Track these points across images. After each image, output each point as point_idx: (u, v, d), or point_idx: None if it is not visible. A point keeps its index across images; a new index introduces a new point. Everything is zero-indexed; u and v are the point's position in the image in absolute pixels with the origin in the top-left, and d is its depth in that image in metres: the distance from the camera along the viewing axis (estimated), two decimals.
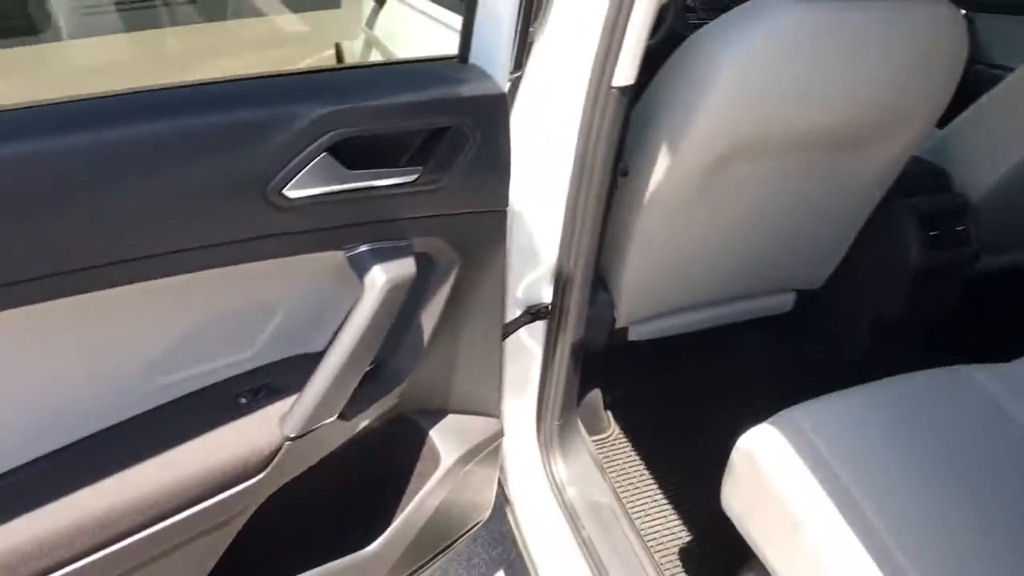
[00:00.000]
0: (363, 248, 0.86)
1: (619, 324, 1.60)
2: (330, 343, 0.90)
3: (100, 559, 0.82)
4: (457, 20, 1.59)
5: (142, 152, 0.71)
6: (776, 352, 1.90)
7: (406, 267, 0.87)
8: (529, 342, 1.33)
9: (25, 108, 0.70)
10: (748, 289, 1.70)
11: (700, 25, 2.20)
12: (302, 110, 0.76)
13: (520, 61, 1.05)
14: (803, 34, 1.16)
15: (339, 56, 2.30)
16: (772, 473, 1.06)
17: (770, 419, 1.12)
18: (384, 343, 0.93)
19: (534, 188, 1.21)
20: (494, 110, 0.89)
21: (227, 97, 0.76)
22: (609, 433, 1.76)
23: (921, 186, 1.64)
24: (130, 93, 0.74)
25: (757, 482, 1.08)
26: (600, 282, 1.55)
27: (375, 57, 2.41)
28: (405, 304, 0.92)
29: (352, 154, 0.81)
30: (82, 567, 0.81)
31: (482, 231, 0.98)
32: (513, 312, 1.30)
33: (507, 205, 0.97)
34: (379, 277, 0.85)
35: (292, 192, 0.77)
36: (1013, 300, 2.03)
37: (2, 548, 0.76)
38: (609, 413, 1.79)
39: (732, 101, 1.19)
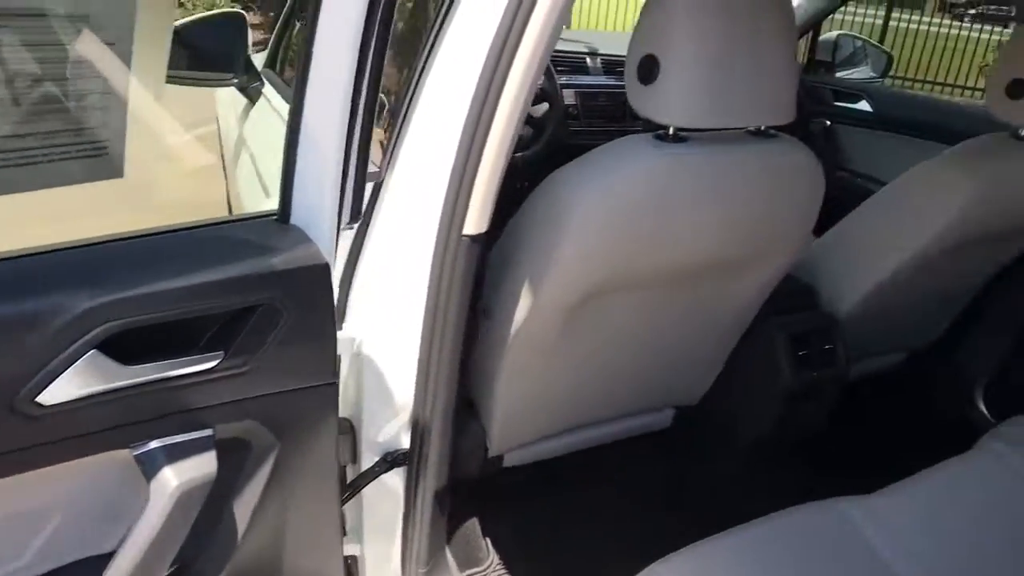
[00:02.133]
0: (152, 445, 0.75)
1: (492, 453, 1.53)
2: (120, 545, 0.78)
3: None
4: None
5: None
6: (657, 467, 1.85)
7: (203, 466, 0.77)
8: (394, 486, 1.24)
9: None
10: (626, 408, 1.65)
11: (583, 133, 2.24)
12: (62, 303, 0.65)
13: (358, 211, 0.98)
14: (663, 176, 1.14)
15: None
16: None
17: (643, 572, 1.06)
18: (188, 540, 0.81)
19: (386, 331, 1.13)
20: (314, 282, 0.81)
21: None
22: (488, 564, 1.66)
23: (790, 304, 1.64)
24: None
25: None
26: (472, 411, 1.48)
27: (244, 159, 2.31)
28: (214, 496, 0.81)
29: (133, 341, 0.71)
30: None
31: (306, 408, 0.88)
32: (369, 459, 1.21)
33: (334, 378, 0.88)
34: (169, 482, 0.74)
35: (49, 398, 0.66)
36: (879, 409, 2.06)
37: None
38: (488, 540, 1.69)
39: (591, 244, 1.15)
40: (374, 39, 0.86)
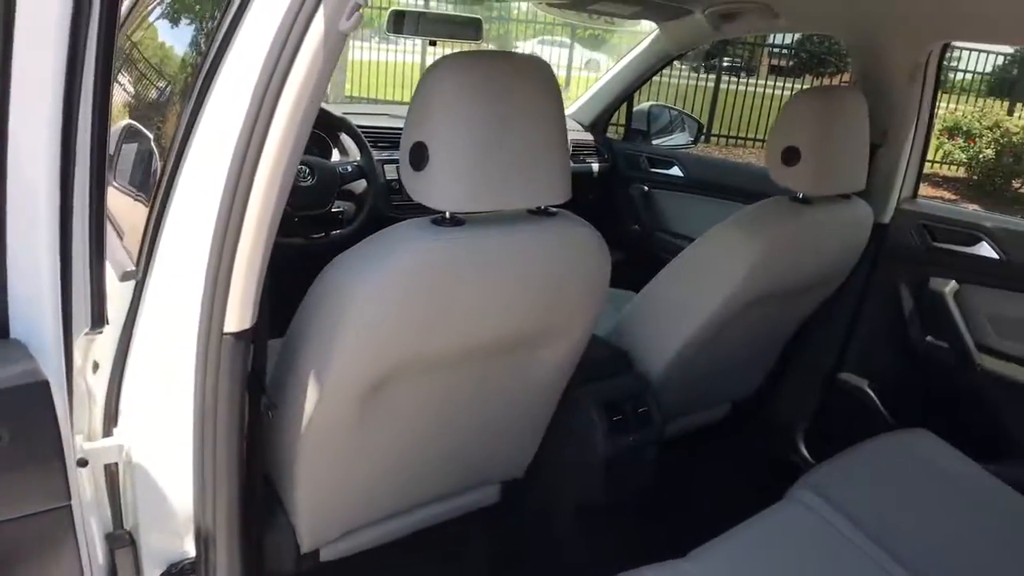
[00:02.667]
0: None
1: (305, 549, 1.45)
2: None
3: None
4: None
5: None
6: (488, 544, 1.82)
7: None
8: None
9: None
10: (448, 489, 1.62)
11: (405, 206, 2.24)
12: None
13: (102, 315, 0.92)
14: (439, 260, 1.14)
15: None
16: None
17: None
18: None
19: (159, 436, 1.07)
20: (30, 401, 0.75)
21: None
22: None
23: (603, 370, 1.67)
24: None
25: None
26: (279, 504, 1.41)
27: None
28: None
29: None
30: None
31: (35, 535, 0.81)
32: (154, 571, 1.12)
33: (68, 499, 0.81)
34: None
35: None
36: (709, 460, 2.13)
37: None
38: None
39: (372, 331, 1.13)
40: (90, 113, 0.80)
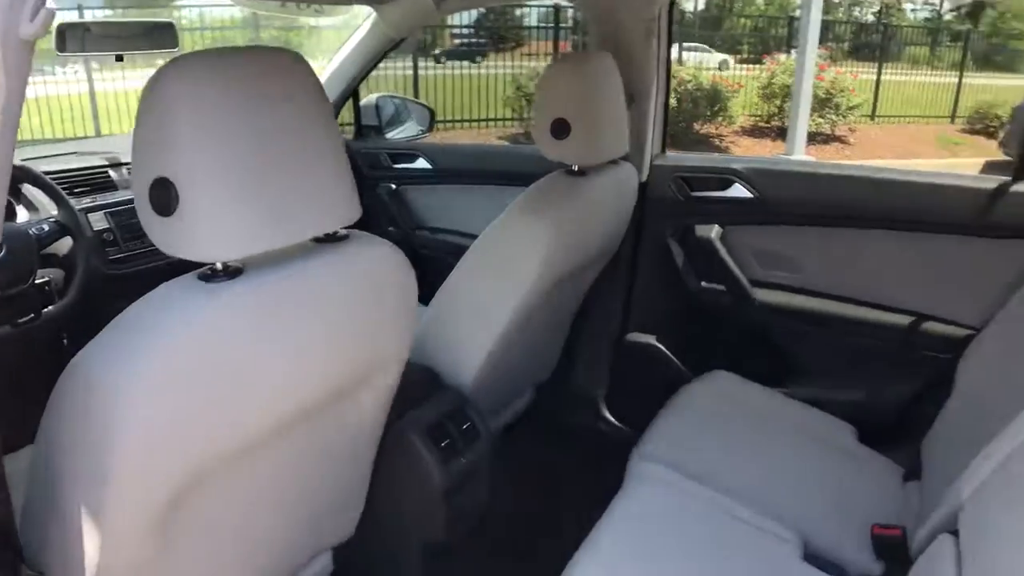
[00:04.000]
0: None
1: None
2: None
3: None
4: None
5: None
6: None
7: None
8: None
9: None
10: (281, 571, 1.36)
11: (128, 259, 1.86)
12: None
13: None
14: (218, 322, 0.89)
15: None
16: None
17: None
18: None
19: None
20: None
21: None
22: None
23: (415, 394, 1.49)
24: None
25: None
26: None
27: None
28: None
29: None
30: None
31: None
32: None
33: None
34: None
35: None
36: (528, 451, 2.04)
37: None
38: None
39: (155, 433, 0.86)
40: None
